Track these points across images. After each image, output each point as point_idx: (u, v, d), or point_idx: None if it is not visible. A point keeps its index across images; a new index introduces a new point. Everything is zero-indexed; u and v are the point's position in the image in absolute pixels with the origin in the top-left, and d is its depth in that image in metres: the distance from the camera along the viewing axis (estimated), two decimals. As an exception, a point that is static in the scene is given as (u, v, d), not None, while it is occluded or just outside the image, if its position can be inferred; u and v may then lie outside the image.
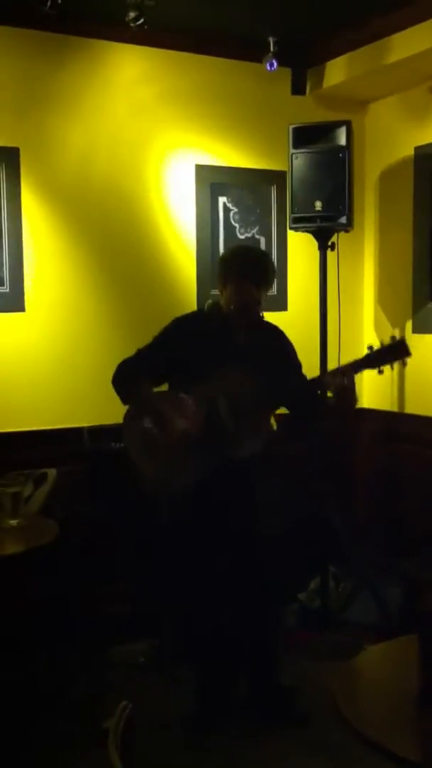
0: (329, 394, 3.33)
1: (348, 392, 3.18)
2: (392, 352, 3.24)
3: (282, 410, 3.42)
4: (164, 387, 3.40)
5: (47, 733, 3.34)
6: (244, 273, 3.26)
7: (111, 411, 3.42)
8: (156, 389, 3.36)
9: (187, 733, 3.34)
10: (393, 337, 3.32)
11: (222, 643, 3.41)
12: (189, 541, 3.33)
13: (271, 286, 3.39)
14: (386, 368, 3.28)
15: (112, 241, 4.34)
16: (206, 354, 3.24)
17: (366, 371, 3.38)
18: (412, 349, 3.51)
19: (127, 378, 3.30)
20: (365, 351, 3.28)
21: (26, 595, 3.63)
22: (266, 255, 3.52)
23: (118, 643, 3.96)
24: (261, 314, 3.36)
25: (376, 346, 3.25)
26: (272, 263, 3.41)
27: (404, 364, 3.31)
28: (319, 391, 3.32)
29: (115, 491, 3.86)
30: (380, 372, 3.24)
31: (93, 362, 4.14)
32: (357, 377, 3.27)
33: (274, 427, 3.44)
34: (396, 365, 3.26)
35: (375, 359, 3.23)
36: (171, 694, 3.61)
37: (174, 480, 3.20)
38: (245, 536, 3.33)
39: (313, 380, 3.35)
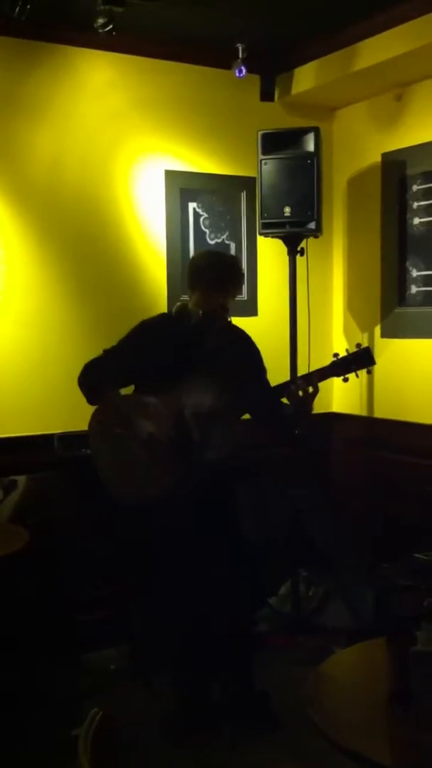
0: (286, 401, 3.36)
1: (308, 401, 3.23)
2: (357, 361, 3.29)
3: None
4: (130, 389, 3.40)
5: (23, 740, 3.31)
6: (213, 279, 3.28)
7: (82, 418, 3.41)
8: (123, 390, 3.36)
9: (165, 740, 3.33)
10: (358, 345, 3.36)
11: (200, 648, 3.41)
12: (166, 547, 3.33)
13: (240, 291, 3.40)
14: (353, 374, 3.33)
15: (82, 247, 4.33)
16: (173, 358, 3.25)
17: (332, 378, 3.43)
18: (380, 354, 3.59)
19: (94, 379, 3.30)
20: (332, 358, 3.33)
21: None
22: (235, 260, 3.54)
23: (93, 649, 3.95)
24: (229, 319, 3.38)
25: (342, 353, 3.30)
26: (240, 268, 3.43)
27: (369, 372, 3.37)
28: (284, 398, 3.35)
29: (86, 498, 3.84)
30: (345, 380, 3.29)
31: (63, 369, 4.11)
32: (328, 382, 3.30)
33: (241, 432, 3.45)
34: (361, 373, 3.32)
35: (340, 367, 3.28)
36: (148, 700, 3.60)
37: (142, 488, 3.20)
38: (222, 542, 3.34)
39: (279, 387, 3.38)
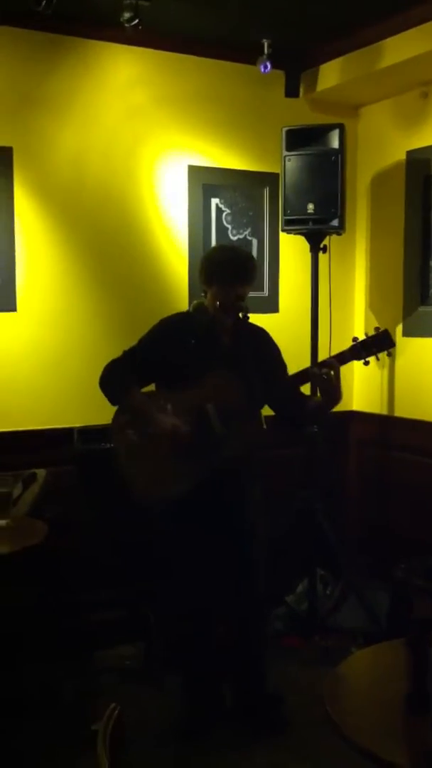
0: (318, 394, 3.36)
1: (333, 384, 3.19)
2: (377, 343, 3.33)
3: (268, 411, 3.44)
4: (151, 387, 3.41)
5: (35, 738, 3.32)
6: (228, 273, 3.26)
7: (101, 412, 3.42)
8: (144, 389, 3.37)
9: (176, 742, 3.32)
10: (377, 328, 3.39)
11: (212, 649, 3.41)
12: (180, 546, 3.33)
13: (253, 285, 3.38)
14: (375, 368, 3.34)
15: (105, 241, 4.33)
16: (193, 355, 3.24)
17: (355, 365, 3.43)
18: (402, 352, 3.59)
19: (115, 380, 3.31)
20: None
21: (14, 596, 3.62)
22: (248, 253, 3.51)
23: (106, 647, 3.94)
24: (247, 314, 3.35)
25: (361, 338, 3.34)
26: (255, 261, 3.39)
27: (389, 355, 3.40)
28: (306, 383, 3.35)
29: (105, 492, 3.86)
30: (366, 363, 3.32)
31: (84, 362, 4.14)
32: (348, 380, 3.30)
33: (263, 426, 3.44)
34: (382, 358, 3.35)
35: (360, 350, 3.33)
36: (159, 701, 3.59)
37: (165, 487, 3.20)
38: (236, 541, 3.34)
39: (299, 373, 3.38)
